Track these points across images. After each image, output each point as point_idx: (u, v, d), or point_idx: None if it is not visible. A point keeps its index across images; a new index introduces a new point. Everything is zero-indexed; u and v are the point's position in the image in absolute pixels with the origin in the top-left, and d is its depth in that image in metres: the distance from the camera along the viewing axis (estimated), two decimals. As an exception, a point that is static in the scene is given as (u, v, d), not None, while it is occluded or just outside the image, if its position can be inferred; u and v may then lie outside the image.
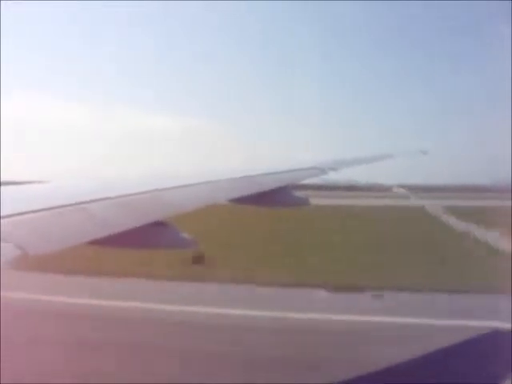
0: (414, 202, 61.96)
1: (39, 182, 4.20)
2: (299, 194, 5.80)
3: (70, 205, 3.03)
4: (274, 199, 5.36)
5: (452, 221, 34.62)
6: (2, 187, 3.40)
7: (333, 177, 7.63)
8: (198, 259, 16.78)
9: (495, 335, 9.83)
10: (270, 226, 27.23)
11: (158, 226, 3.54)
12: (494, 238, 23.65)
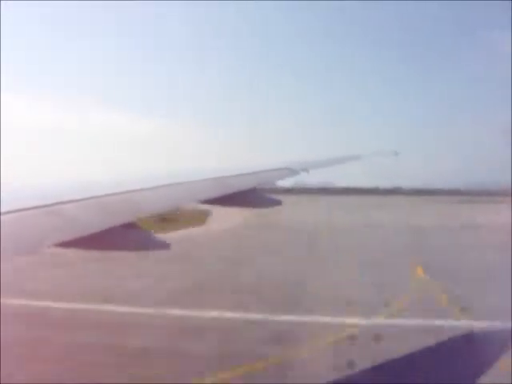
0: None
1: (7, 183, 4.11)
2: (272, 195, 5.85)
3: (40, 206, 2.99)
4: (245, 200, 5.39)
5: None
6: None
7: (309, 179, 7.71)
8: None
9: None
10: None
11: (129, 227, 3.52)
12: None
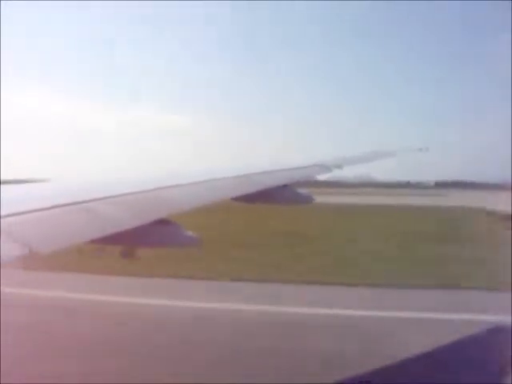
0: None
1: (40, 180, 4.23)
2: (304, 191, 5.81)
3: (73, 203, 3.05)
4: (277, 197, 5.37)
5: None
6: (3, 186, 3.42)
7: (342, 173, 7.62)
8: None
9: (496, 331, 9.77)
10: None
11: (161, 223, 3.55)
12: None
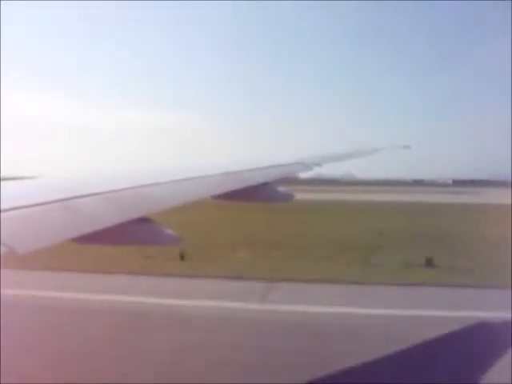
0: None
1: (22, 178, 4.22)
2: (284, 189, 5.87)
3: (55, 201, 3.06)
4: (257, 195, 5.42)
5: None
6: None
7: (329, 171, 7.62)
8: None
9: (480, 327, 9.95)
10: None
11: (142, 221, 3.58)
12: None
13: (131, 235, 3.60)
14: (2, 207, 2.67)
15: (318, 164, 6.95)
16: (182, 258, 16.82)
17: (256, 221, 27.88)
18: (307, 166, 6.66)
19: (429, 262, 16.26)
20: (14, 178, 4.31)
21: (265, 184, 5.43)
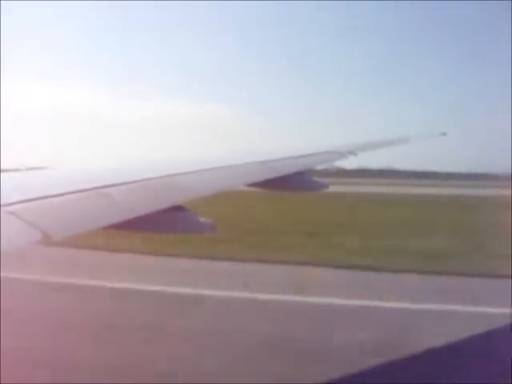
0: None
1: (52, 167, 4.22)
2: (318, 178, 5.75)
3: (88, 189, 3.03)
4: (292, 184, 5.32)
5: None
6: (4, 174, 3.39)
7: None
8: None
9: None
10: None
11: (176, 210, 3.52)
12: None
13: (166, 223, 3.55)
14: (37, 195, 2.64)
15: (353, 153, 6.75)
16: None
17: (309, 209, 26.49)
18: (342, 155, 6.48)
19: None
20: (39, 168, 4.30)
21: (300, 173, 5.32)
